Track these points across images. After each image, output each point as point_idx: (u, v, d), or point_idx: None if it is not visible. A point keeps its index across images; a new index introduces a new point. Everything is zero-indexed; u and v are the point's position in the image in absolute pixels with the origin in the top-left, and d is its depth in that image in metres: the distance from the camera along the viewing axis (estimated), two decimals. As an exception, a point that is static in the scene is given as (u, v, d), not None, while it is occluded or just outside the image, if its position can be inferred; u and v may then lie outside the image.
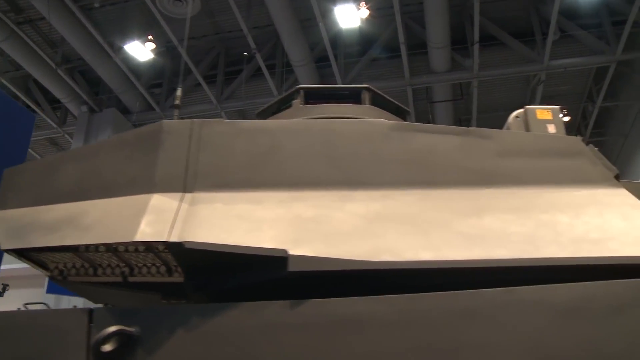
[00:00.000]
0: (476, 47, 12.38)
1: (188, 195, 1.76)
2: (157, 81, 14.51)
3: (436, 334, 1.40)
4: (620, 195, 1.82)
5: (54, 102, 15.09)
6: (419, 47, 12.74)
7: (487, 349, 1.37)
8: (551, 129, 2.41)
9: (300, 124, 2.07)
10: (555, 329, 1.37)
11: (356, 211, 1.72)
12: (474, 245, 1.59)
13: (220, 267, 1.68)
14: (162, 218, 1.64)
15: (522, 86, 14.58)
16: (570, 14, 12.49)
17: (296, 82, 13.33)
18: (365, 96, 2.73)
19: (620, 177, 1.92)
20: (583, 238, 1.62)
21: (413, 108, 14.11)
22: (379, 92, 2.81)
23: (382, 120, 2.08)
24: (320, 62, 13.35)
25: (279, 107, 2.84)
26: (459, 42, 12.75)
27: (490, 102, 14.67)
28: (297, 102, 2.67)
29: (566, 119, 15.37)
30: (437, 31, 11.93)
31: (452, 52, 12.71)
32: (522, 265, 1.54)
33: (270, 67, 13.54)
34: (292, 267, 1.53)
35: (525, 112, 2.51)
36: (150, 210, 1.66)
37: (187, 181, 1.80)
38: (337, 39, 13.17)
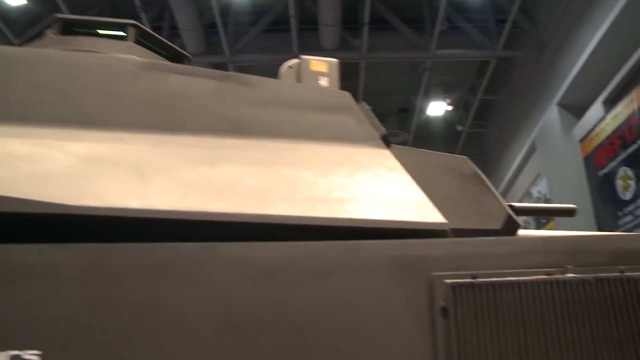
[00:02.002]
0: (366, 28, 12.42)
1: None
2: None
3: (126, 288, 1.27)
4: (381, 157, 1.74)
5: None
6: (310, 22, 12.65)
7: (179, 306, 1.25)
8: (324, 82, 2.30)
9: (37, 54, 1.89)
10: (253, 290, 1.27)
11: (77, 152, 1.56)
12: (191, 196, 1.46)
13: None
14: None
15: (409, 72, 14.86)
16: (459, 7, 12.83)
17: (182, 47, 12.85)
18: (131, 33, 2.52)
19: (389, 140, 1.85)
20: (321, 197, 1.53)
21: (301, 84, 13.98)
22: (150, 31, 2.63)
23: (132, 57, 1.93)
24: (210, 29, 12.91)
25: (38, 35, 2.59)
26: (350, 21, 12.74)
27: (377, 85, 14.83)
28: (50, 32, 2.44)
29: (449, 108, 15.89)
30: (328, 8, 11.86)
31: (342, 31, 12.70)
32: (233, 221, 1.42)
33: (157, 29, 12.90)
34: None
35: (300, 62, 2.37)
36: None
37: None
38: (229, 7, 12.78)
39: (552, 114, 12.59)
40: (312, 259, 1.31)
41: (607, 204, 9.93)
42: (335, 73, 2.34)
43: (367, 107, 1.94)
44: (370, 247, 1.34)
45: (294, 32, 12.39)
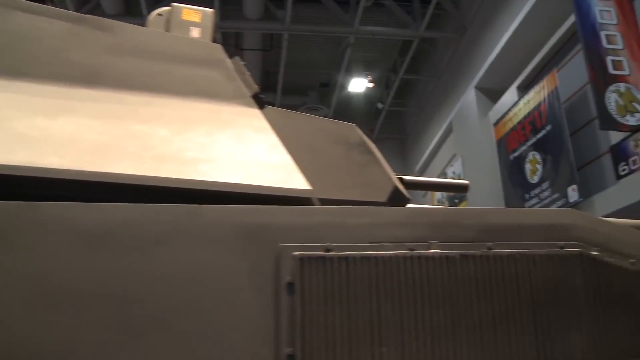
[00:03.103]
0: (291, -1, 12.16)
1: None
2: None
3: None
4: (249, 117, 1.59)
5: None
6: (233, -11, 12.23)
7: None
8: (195, 33, 2.09)
9: None
10: (75, 258, 1.10)
11: None
12: (21, 149, 1.28)
13: None
14: None
15: (333, 47, 14.71)
16: (384, -16, 12.75)
17: (99, 7, 12.20)
18: None
19: (262, 100, 1.70)
20: (173, 157, 1.38)
21: (222, 53, 13.61)
22: None
23: None
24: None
25: None
26: (274, -9, 12.45)
27: (300, 58, 14.65)
28: None
29: (370, 85, 15.91)
30: (252, -24, 11.49)
31: (266, 1, 12.40)
32: (62, 178, 1.24)
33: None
34: None
35: (170, 10, 2.15)
36: None
37: None
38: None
39: (469, 96, 12.84)
40: (145, 223, 1.16)
41: (516, 187, 10.26)
42: (209, 24, 2.13)
43: (241, 62, 1.77)
44: (212, 212, 1.19)
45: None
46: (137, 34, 1.71)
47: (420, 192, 16.49)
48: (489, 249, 1.26)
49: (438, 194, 14.87)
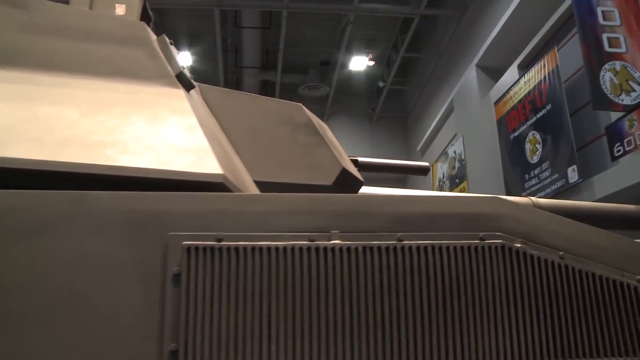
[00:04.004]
0: (289, -24, 11.99)
1: None
2: None
3: None
4: (169, 97, 1.50)
5: None
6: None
7: None
8: (120, 10, 2.02)
9: None
10: None
11: None
12: None
13: None
14: None
15: (333, 25, 14.54)
16: (384, -41, 12.55)
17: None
18: None
19: (188, 80, 1.59)
20: (79, 140, 1.29)
21: (219, 31, 13.45)
22: None
23: None
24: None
25: None
26: (272, -32, 12.26)
27: (300, 36, 14.48)
28: None
29: (371, 63, 15.75)
30: (249, -48, 11.31)
31: (264, -23, 12.23)
32: None
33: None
34: None
35: None
36: None
37: None
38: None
39: (470, 75, 12.68)
40: (27, 210, 1.09)
41: (516, 167, 10.15)
42: (136, 1, 2.04)
43: (167, 40, 1.67)
44: (100, 199, 1.12)
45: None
46: (54, 11, 1.61)
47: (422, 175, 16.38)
48: (399, 239, 1.16)
49: (439, 174, 14.78)
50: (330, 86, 16.09)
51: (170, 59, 1.60)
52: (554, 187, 8.76)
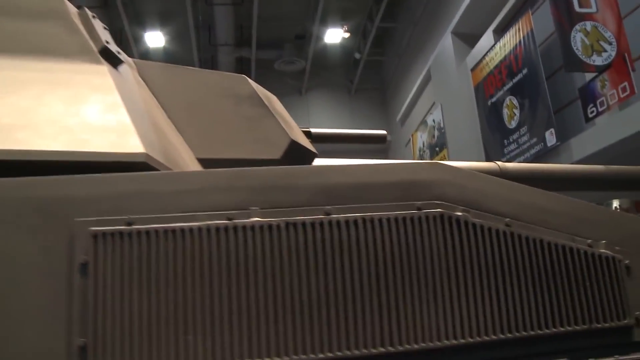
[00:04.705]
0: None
1: None
2: None
3: None
4: (91, 74, 1.40)
5: None
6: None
7: None
8: None
9: None
10: None
11: None
12: None
13: None
14: None
15: (306, -2, 14.33)
16: None
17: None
18: None
19: (114, 55, 1.52)
20: None
21: (191, 9, 13.21)
22: None
23: None
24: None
25: None
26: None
27: (273, 10, 14.25)
28: None
29: (346, 35, 15.60)
30: None
31: (233, -49, 11.98)
32: None
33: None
34: None
35: None
36: None
37: None
38: None
39: (446, 42, 12.60)
40: None
41: (495, 133, 10.16)
42: None
43: (90, 14, 1.57)
44: (2, 187, 1.04)
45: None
46: None
47: (403, 143, 16.40)
48: (327, 213, 1.08)
49: (419, 143, 14.78)
50: (306, 60, 15.92)
51: (93, 34, 1.50)
52: (532, 151, 8.79)
